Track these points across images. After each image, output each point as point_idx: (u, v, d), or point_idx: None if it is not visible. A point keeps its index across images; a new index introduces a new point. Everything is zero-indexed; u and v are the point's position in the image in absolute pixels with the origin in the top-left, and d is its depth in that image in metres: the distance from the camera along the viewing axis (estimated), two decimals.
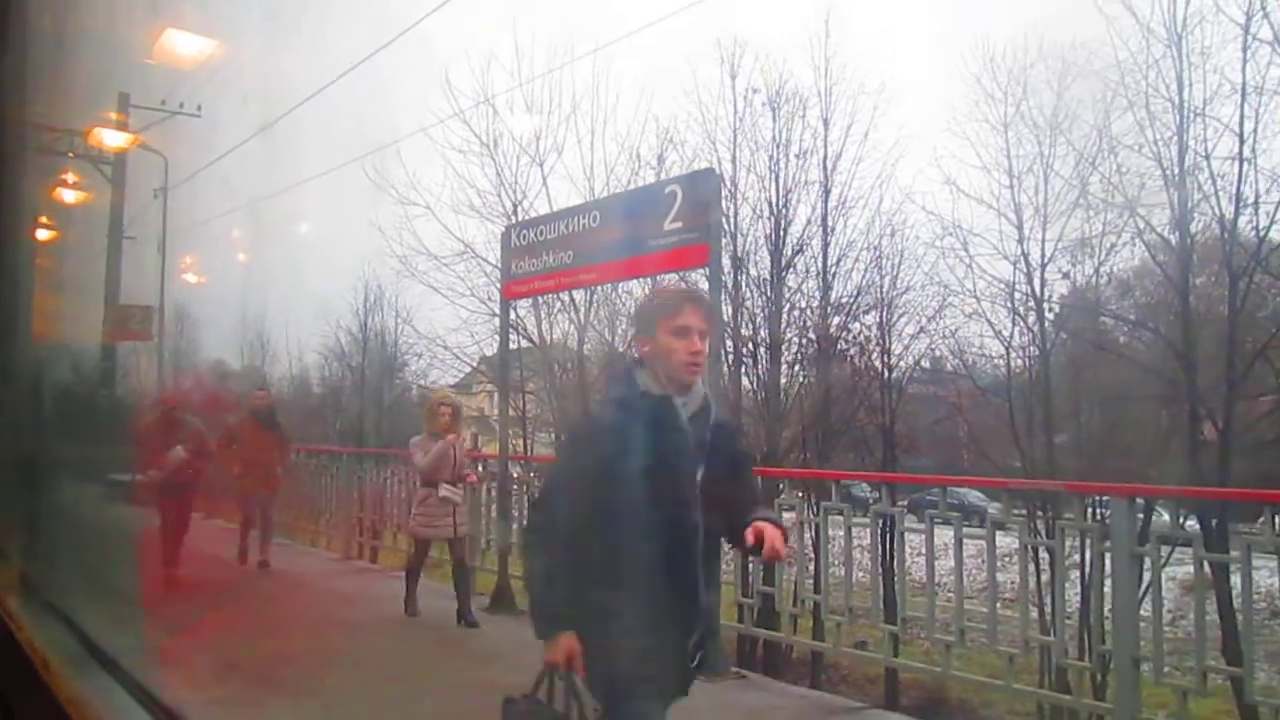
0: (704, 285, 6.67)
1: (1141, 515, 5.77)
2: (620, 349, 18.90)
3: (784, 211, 17.72)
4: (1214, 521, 12.90)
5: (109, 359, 15.73)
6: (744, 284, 17.79)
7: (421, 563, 7.76)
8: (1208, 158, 14.16)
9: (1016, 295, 16.52)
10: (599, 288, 16.22)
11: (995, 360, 17.56)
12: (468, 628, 7.27)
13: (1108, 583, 5.36)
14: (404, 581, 7.77)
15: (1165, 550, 5.43)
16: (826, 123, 17.61)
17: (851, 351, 17.90)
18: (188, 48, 9.48)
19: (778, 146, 17.75)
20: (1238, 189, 13.92)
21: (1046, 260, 16.16)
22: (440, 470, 7.40)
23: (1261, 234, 14.06)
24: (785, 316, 17.74)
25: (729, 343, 16.90)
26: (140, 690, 1.94)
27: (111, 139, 13.40)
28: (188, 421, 8.55)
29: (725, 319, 16.33)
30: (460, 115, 18.44)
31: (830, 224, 17.69)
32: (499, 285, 9.55)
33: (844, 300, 17.83)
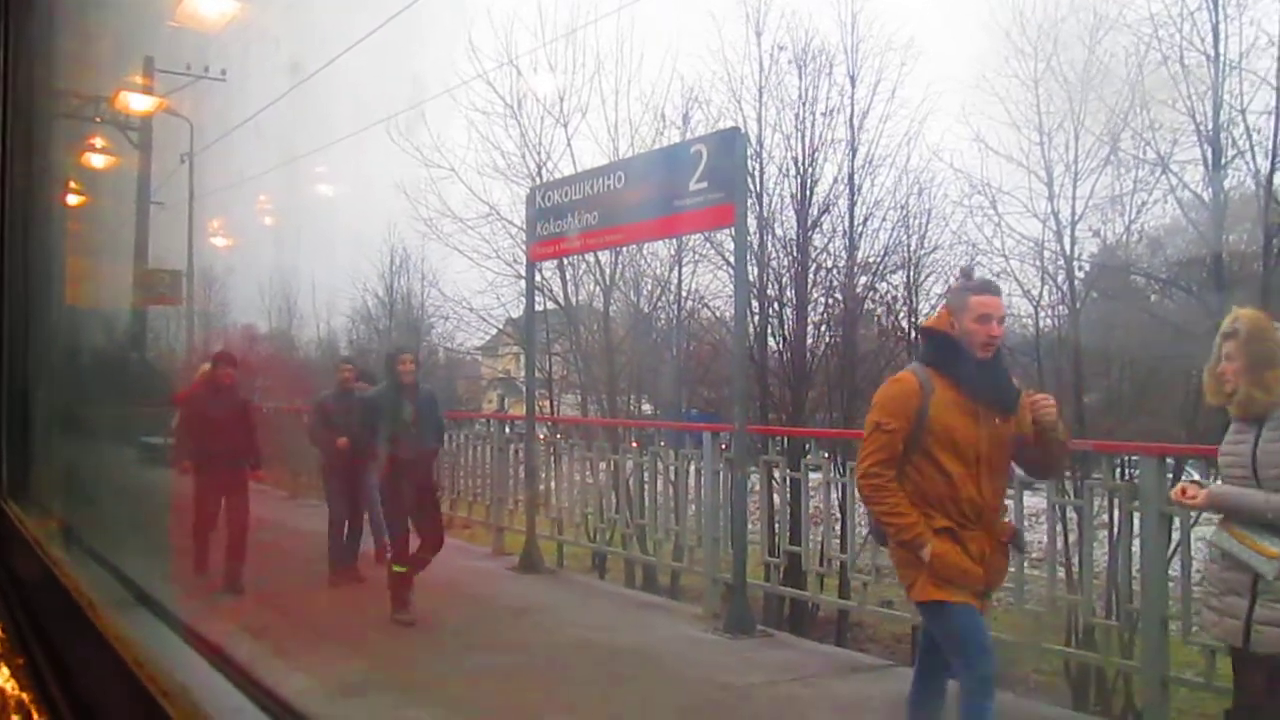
0: (729, 245, 6.68)
1: (1171, 475, 5.74)
2: (645, 310, 18.93)
3: (810, 170, 17.57)
4: None
5: (139, 322, 15.90)
6: (770, 244, 17.69)
7: None
8: (1243, 112, 13.88)
9: (1046, 254, 16.31)
10: (625, 248, 16.22)
11: (1024, 319, 17.38)
12: None
13: (1136, 543, 5.34)
14: None
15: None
16: (853, 80, 17.38)
17: (879, 311, 17.81)
18: (211, 10, 9.46)
19: (804, 104, 17.55)
20: (1274, 144, 13.63)
21: (1077, 218, 15.92)
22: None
23: None
24: (811, 276, 17.64)
25: (755, 303, 16.86)
26: (182, 626, 2.00)
27: (137, 103, 13.45)
28: None
29: (751, 279, 16.27)
30: (484, 76, 18.36)
31: (857, 183, 17.51)
32: (524, 247, 9.56)
33: (871, 260, 17.70)
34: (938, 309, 3.87)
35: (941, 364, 3.62)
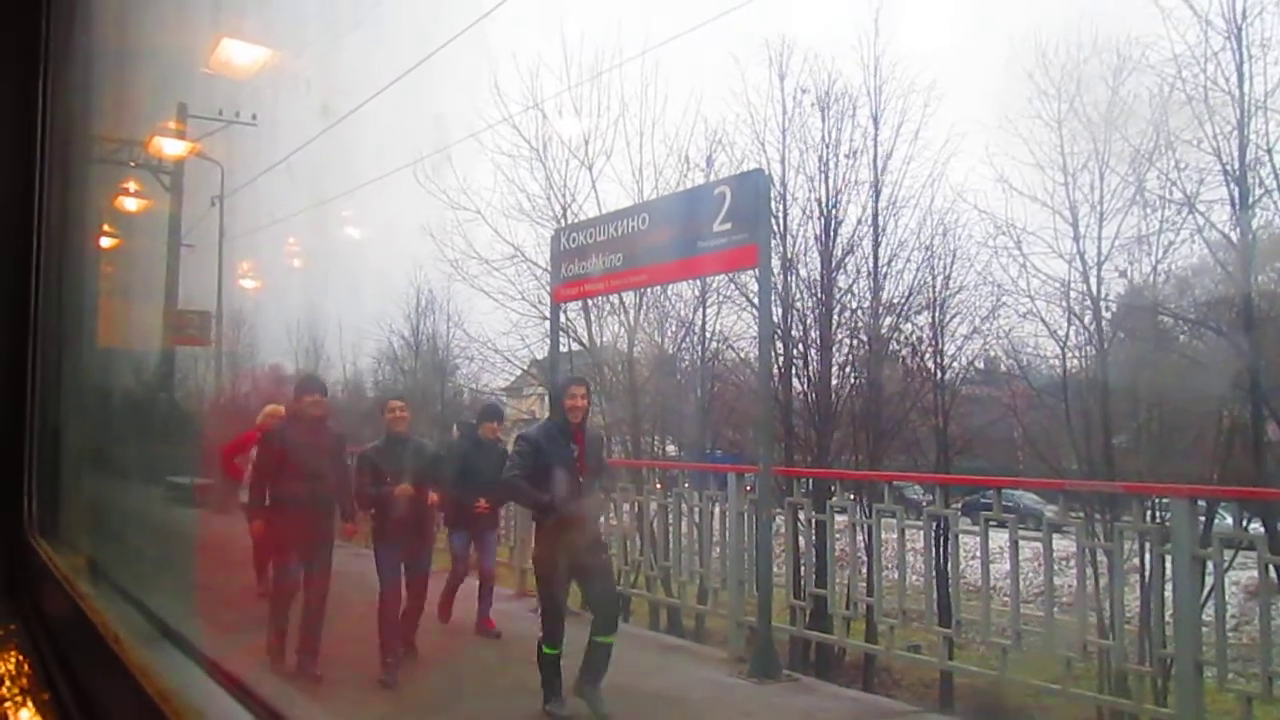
0: (753, 286, 6.68)
1: (1203, 517, 5.66)
2: (670, 351, 18.94)
3: (834, 212, 17.66)
4: (1279, 524, 12.64)
5: (168, 363, 16.06)
6: (794, 285, 17.74)
7: None
8: (1269, 151, 13.87)
9: (1072, 294, 16.28)
10: (649, 290, 16.28)
11: (1051, 360, 17.30)
12: None
13: (1168, 586, 5.25)
14: None
15: (1228, 553, 5.32)
16: (877, 122, 17.52)
17: (903, 352, 17.76)
18: (243, 57, 9.65)
19: (827, 146, 17.69)
20: None
21: (1103, 258, 15.91)
22: None
23: None
24: (836, 317, 17.65)
25: (779, 344, 16.86)
26: (206, 660, 2.01)
27: (170, 148, 13.71)
28: None
29: (775, 320, 16.28)
30: (510, 120, 18.60)
31: (881, 224, 17.60)
32: (549, 288, 9.61)
33: (895, 301, 17.71)
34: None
35: None
